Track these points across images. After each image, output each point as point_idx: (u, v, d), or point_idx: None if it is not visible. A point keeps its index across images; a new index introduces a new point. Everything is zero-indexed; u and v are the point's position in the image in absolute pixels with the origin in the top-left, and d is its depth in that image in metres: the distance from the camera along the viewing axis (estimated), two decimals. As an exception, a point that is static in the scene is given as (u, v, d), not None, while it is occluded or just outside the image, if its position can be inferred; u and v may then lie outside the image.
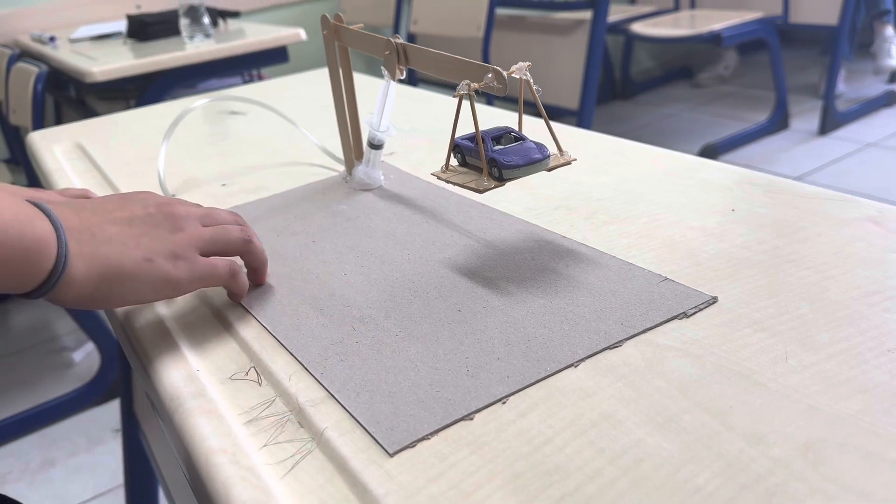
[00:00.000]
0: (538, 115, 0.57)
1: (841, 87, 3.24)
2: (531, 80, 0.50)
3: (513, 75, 0.50)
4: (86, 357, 2.07)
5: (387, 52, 0.61)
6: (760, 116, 3.19)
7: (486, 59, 2.40)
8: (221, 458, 0.38)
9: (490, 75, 0.49)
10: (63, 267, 0.42)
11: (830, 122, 3.02)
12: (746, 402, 0.38)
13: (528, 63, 0.50)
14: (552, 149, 0.53)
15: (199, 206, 0.53)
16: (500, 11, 2.62)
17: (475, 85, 0.49)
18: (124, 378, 1.31)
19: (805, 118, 3.19)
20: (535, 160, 0.50)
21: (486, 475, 0.35)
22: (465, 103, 0.50)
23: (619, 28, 3.07)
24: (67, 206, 0.46)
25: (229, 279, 0.50)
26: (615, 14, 3.16)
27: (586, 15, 2.47)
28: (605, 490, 0.33)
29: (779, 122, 3.10)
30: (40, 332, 2.25)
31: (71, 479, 1.64)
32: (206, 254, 0.49)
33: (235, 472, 0.37)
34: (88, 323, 1.83)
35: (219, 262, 0.50)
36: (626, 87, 3.79)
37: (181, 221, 0.49)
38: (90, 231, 0.45)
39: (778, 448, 0.35)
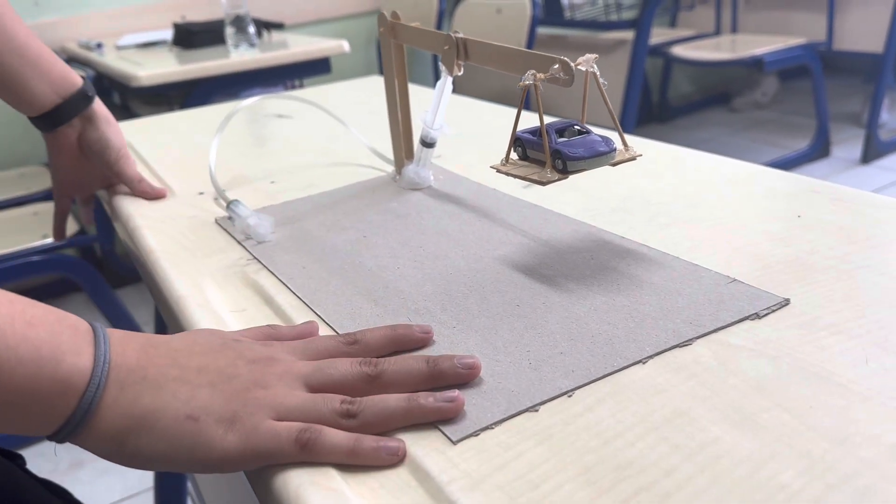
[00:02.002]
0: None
1: (884, 115, 3.19)
2: (598, 73, 0.49)
3: (579, 67, 0.49)
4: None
5: (446, 47, 0.60)
6: (800, 143, 3.15)
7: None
8: (278, 441, 0.36)
9: (556, 66, 0.48)
10: (84, 415, 0.34)
11: (873, 151, 2.97)
12: (827, 403, 0.36)
13: (595, 55, 0.49)
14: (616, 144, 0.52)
15: (323, 356, 0.41)
16: (542, 31, 2.62)
17: (541, 75, 0.48)
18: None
19: (846, 146, 3.14)
20: (600, 153, 0.48)
21: (555, 467, 0.33)
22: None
23: (659, 51, 3.06)
24: (143, 338, 0.39)
25: (298, 453, 0.35)
26: (655, 37, 3.15)
27: (628, 35, 2.47)
28: (682, 486, 0.32)
29: (820, 149, 3.05)
30: (75, 335, 2.27)
31: (99, 481, 1.64)
32: (287, 417, 0.37)
33: (293, 454, 0.35)
34: (123, 327, 1.84)
35: (283, 430, 0.36)
36: (663, 110, 3.77)
37: (271, 378, 0.38)
38: (143, 372, 0.36)
39: (865, 450, 0.33)
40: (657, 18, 3.47)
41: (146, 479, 1.62)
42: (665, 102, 3.76)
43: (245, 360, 0.39)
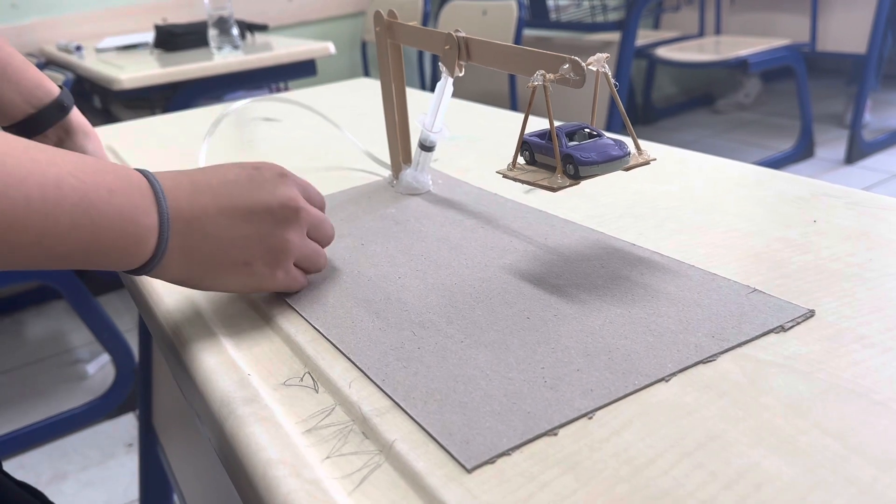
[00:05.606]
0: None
1: (867, 116, 3.20)
2: (609, 73, 0.47)
3: (590, 67, 0.46)
4: (100, 370, 2.03)
5: (447, 47, 0.57)
6: (784, 144, 3.15)
7: (513, 81, 2.38)
8: (281, 471, 0.34)
9: (567, 66, 0.45)
10: (158, 260, 0.43)
11: (857, 152, 2.98)
12: (868, 423, 0.34)
13: (606, 55, 0.47)
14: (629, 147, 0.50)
15: (319, 201, 0.53)
16: (528, 32, 2.60)
17: (551, 76, 0.46)
18: (143, 390, 1.27)
19: (830, 147, 3.15)
20: (614, 157, 0.46)
21: (585, 499, 0.31)
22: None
23: (643, 53, 3.05)
24: (188, 182, 0.45)
25: (298, 290, 0.51)
26: (639, 39, 3.13)
27: (614, 37, 2.45)
28: (723, 518, 0.29)
29: (804, 149, 3.05)
30: (55, 344, 2.22)
31: (82, 493, 1.60)
32: (299, 263, 0.50)
33: (298, 485, 0.33)
34: (106, 335, 1.80)
35: (302, 278, 0.51)
36: (647, 112, 3.76)
37: (295, 228, 0.48)
38: (199, 223, 0.44)
39: (915, 476, 0.31)
40: (641, 20, 3.47)
41: (131, 490, 1.58)
42: (649, 104, 3.76)
43: (279, 200, 0.47)
